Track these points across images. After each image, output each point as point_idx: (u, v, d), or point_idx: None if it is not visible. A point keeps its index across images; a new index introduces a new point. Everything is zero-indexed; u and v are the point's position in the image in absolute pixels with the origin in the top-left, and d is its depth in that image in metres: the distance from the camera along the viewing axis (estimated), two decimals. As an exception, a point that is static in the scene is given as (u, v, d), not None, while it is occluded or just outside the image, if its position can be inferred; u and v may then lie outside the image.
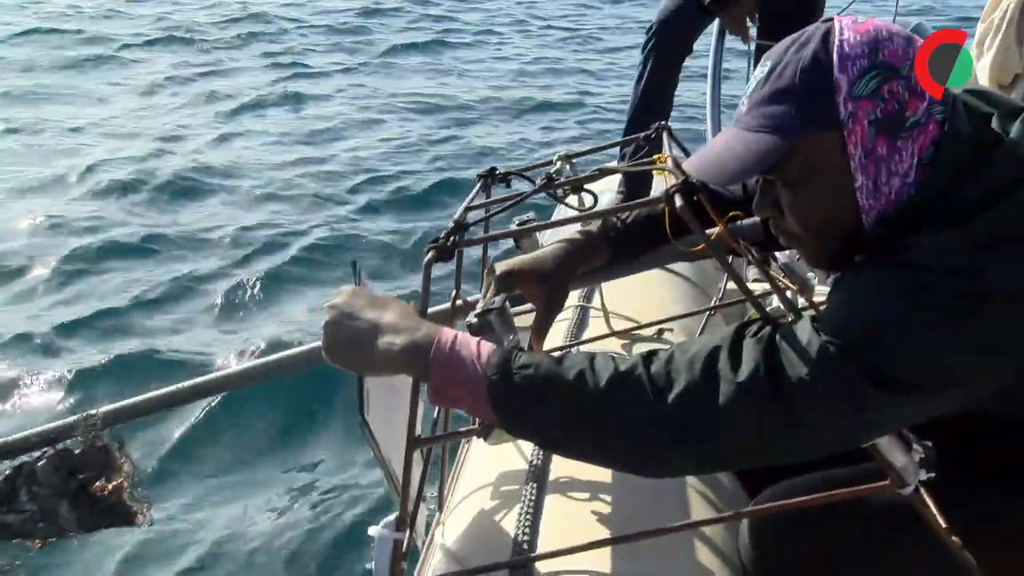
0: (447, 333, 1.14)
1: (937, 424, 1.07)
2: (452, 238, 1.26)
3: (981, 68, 1.94)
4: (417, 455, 1.33)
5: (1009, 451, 1.14)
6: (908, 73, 1.04)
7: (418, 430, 1.20)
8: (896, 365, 0.99)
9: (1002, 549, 1.18)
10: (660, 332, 1.94)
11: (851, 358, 0.99)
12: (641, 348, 1.87)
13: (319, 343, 1.18)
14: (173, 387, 1.58)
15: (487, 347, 1.13)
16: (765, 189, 1.17)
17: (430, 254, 1.24)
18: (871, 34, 1.06)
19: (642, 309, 2.00)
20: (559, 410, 1.08)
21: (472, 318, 1.25)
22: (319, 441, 3.44)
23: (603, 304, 1.90)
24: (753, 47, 2.97)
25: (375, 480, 3.08)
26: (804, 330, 1.04)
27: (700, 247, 1.37)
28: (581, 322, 1.95)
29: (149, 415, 1.60)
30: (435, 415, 1.42)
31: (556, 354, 1.14)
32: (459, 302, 1.46)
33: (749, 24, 2.87)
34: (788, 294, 1.72)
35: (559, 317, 1.97)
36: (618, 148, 2.58)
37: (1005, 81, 1.88)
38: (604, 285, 1.90)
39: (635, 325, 1.90)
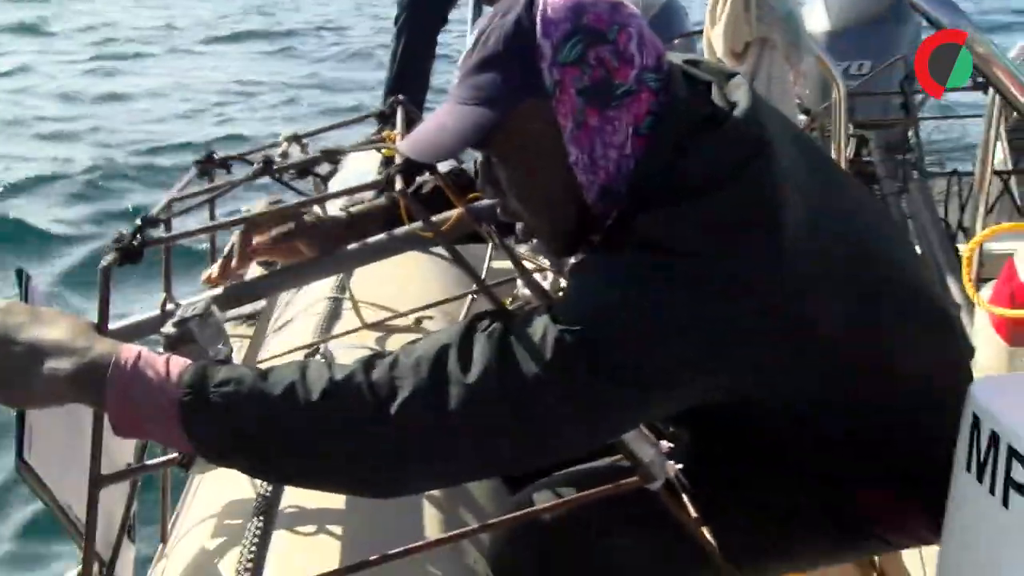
0: (128, 351, 0.95)
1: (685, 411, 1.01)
2: (138, 236, 1.06)
3: (714, 37, 1.94)
4: (122, 489, 1.13)
5: (749, 435, 1.10)
6: (615, 39, 0.98)
7: (124, 461, 1.00)
8: (622, 357, 0.92)
9: (746, 533, 1.14)
10: (418, 321, 1.81)
11: (579, 350, 0.91)
12: (397, 340, 1.74)
13: None
14: None
15: (178, 363, 0.95)
16: (484, 166, 1.06)
17: (110, 256, 1.04)
18: None
19: (400, 297, 1.86)
20: (264, 433, 0.93)
21: (168, 328, 1.06)
22: None
23: (351, 294, 1.75)
24: None
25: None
26: (539, 322, 0.94)
27: (443, 228, 1.26)
28: (332, 315, 1.78)
29: None
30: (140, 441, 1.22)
31: (266, 366, 0.98)
32: (170, 306, 1.26)
33: None
34: (548, 278, 1.64)
35: (308, 311, 1.80)
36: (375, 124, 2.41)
37: (737, 49, 1.88)
38: (357, 272, 1.75)
39: (391, 315, 1.76)
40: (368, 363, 0.96)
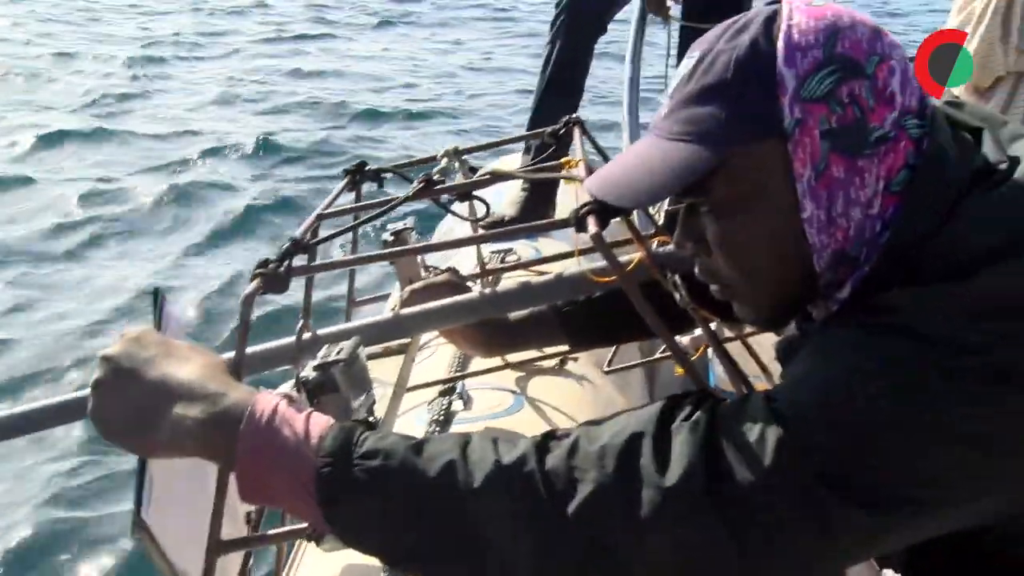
0: (264, 402, 0.82)
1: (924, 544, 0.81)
2: (286, 262, 0.93)
3: (958, 70, 1.67)
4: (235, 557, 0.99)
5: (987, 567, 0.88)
6: (874, 73, 0.79)
7: (238, 524, 0.87)
8: (866, 470, 0.72)
9: None
10: (563, 362, 1.64)
11: (811, 457, 0.72)
12: (540, 383, 1.58)
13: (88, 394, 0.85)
14: None
15: (319, 423, 0.81)
16: (687, 216, 0.88)
17: (253, 284, 0.91)
18: (829, 19, 0.81)
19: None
20: (413, 520, 0.78)
21: (309, 372, 0.92)
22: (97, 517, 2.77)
23: None
24: (676, 32, 2.69)
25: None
26: (755, 415, 0.76)
27: (613, 278, 1.09)
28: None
29: None
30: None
31: (432, 421, 0.83)
32: (307, 336, 1.12)
33: (670, 3, 2.60)
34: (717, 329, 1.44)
35: (439, 342, 1.66)
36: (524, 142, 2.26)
37: (984, 84, 1.60)
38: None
39: (536, 355, 1.59)
40: (541, 446, 0.80)
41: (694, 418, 0.78)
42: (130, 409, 0.82)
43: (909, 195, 0.81)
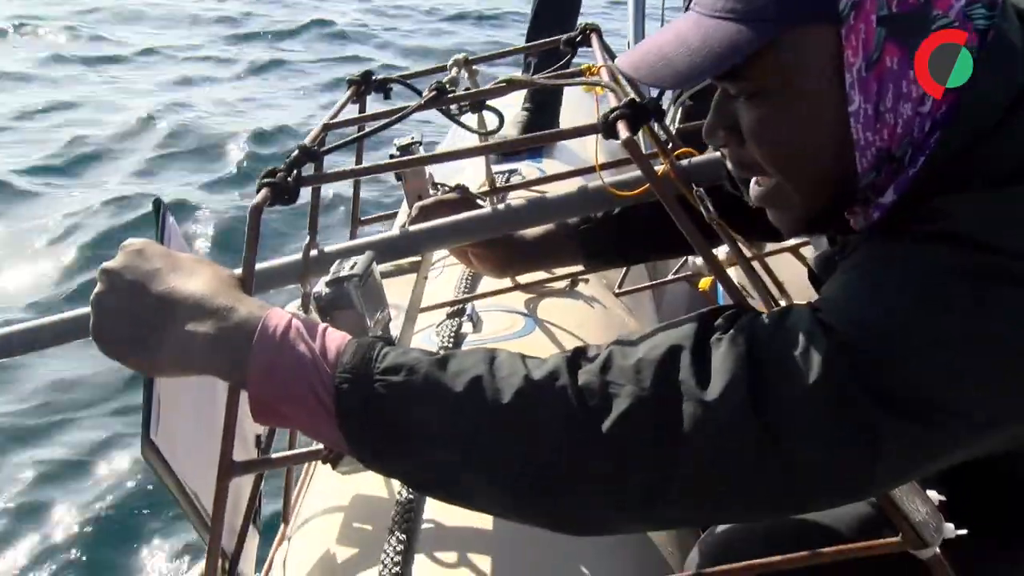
0: (277, 316, 0.77)
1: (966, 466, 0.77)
2: (295, 171, 0.87)
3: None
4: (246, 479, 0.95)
5: None
6: None
7: (248, 447, 0.83)
8: (923, 387, 0.68)
9: None
10: (574, 283, 1.60)
11: (860, 371, 0.68)
12: (550, 304, 1.54)
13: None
14: None
15: (337, 338, 0.77)
16: (722, 103, 0.82)
17: (261, 194, 0.85)
18: None
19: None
20: (439, 438, 0.74)
21: (321, 287, 0.88)
22: (102, 435, 2.72)
23: None
24: None
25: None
26: (799, 327, 0.71)
27: (642, 189, 1.04)
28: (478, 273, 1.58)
29: None
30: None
31: (441, 346, 0.79)
32: (313, 253, 1.07)
33: None
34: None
35: (446, 262, 1.61)
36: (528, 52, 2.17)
37: None
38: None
39: (545, 276, 1.54)
40: (573, 361, 0.75)
41: (732, 331, 0.74)
42: (135, 325, 0.77)
43: (967, 93, 0.75)
